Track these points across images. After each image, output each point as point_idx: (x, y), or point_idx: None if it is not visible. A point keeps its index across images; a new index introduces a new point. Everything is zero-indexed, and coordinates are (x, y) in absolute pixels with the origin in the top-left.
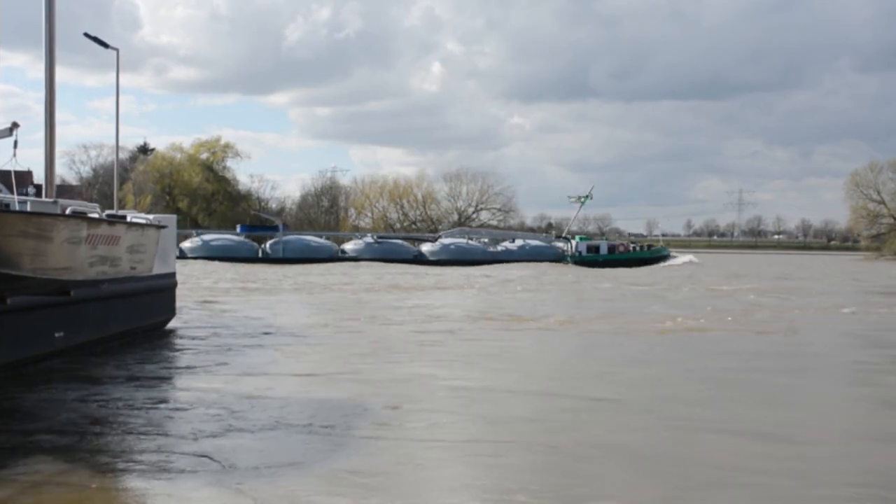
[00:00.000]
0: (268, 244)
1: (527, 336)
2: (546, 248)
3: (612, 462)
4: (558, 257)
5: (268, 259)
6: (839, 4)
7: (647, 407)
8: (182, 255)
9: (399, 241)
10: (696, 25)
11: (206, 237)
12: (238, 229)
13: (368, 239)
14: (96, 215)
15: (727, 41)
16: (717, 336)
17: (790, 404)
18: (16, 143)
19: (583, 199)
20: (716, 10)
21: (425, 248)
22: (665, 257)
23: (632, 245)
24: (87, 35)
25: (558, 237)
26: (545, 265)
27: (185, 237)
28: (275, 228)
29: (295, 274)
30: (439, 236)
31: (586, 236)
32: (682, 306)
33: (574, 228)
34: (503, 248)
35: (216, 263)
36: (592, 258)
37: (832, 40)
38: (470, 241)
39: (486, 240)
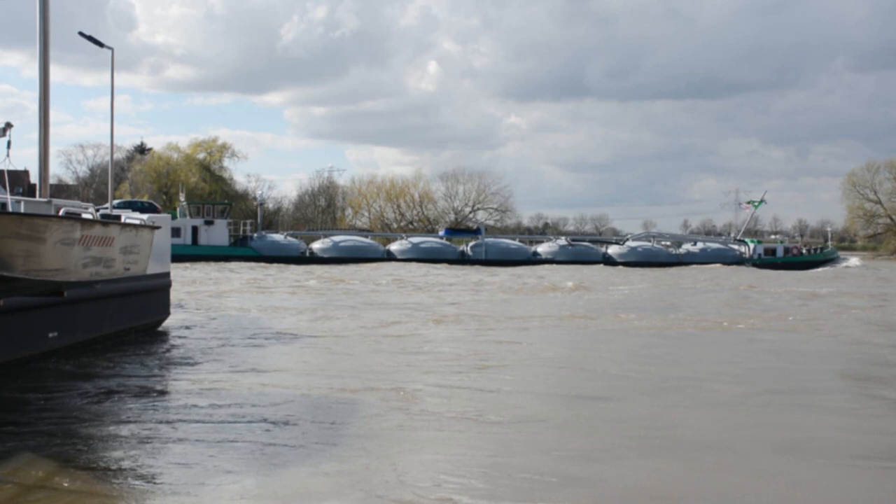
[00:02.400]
0: (469, 246)
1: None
2: (726, 250)
3: None
4: (737, 259)
5: (469, 260)
6: (835, 4)
7: None
8: (392, 257)
9: (587, 244)
10: (692, 25)
11: (414, 240)
12: (441, 232)
13: (562, 241)
14: (90, 216)
15: (723, 40)
16: None
17: None
18: (9, 143)
19: (756, 204)
20: (711, 9)
21: (612, 250)
22: (835, 259)
23: (804, 248)
24: (81, 34)
25: (736, 240)
26: (735, 267)
27: (390, 240)
28: (475, 231)
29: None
30: (626, 239)
31: (758, 240)
32: None
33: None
34: (685, 251)
35: (426, 265)
36: (771, 260)
37: (828, 40)
38: (655, 245)
39: (668, 243)
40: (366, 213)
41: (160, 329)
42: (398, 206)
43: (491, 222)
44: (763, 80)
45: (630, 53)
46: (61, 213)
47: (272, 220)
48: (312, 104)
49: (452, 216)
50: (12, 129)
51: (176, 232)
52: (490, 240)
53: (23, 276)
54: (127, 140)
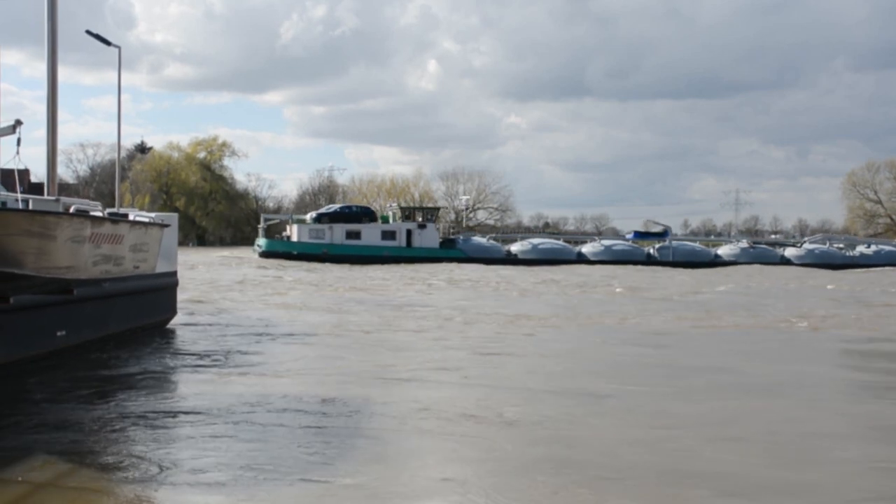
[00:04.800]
0: (654, 248)
1: None
2: None
3: None
4: None
5: (655, 262)
6: (835, 4)
7: None
8: (584, 259)
9: (764, 246)
10: (692, 24)
11: (606, 242)
12: (629, 235)
13: (743, 244)
14: (99, 214)
15: (723, 40)
16: None
17: None
18: (19, 140)
19: None
20: (711, 9)
21: (789, 252)
22: None
23: None
24: (89, 32)
25: None
26: None
27: (580, 242)
28: (662, 234)
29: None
30: (804, 241)
31: None
32: None
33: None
34: (859, 254)
35: (615, 267)
36: None
37: (828, 39)
38: (829, 247)
39: (841, 245)
40: None
41: (167, 328)
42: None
43: (491, 222)
44: (763, 79)
45: (630, 53)
46: (72, 210)
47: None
48: (312, 103)
49: (452, 216)
50: (21, 127)
51: (391, 235)
52: (676, 242)
53: (33, 273)
54: (127, 139)
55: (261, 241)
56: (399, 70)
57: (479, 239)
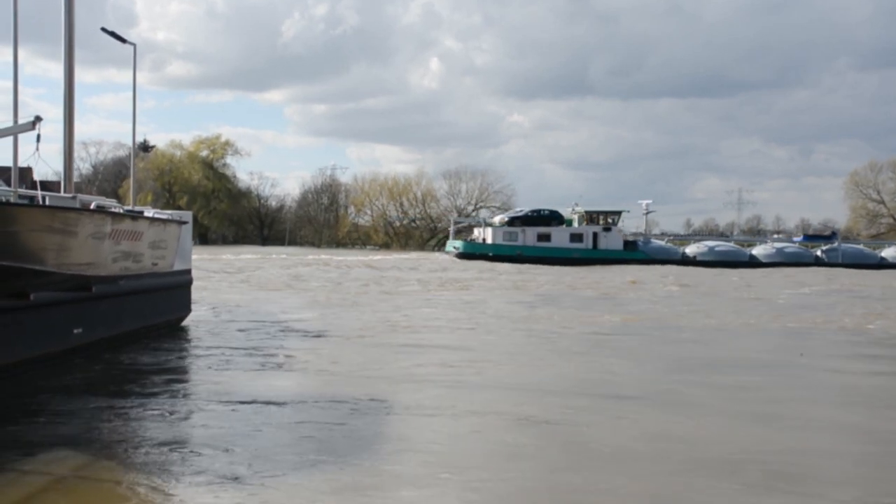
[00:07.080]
0: (822, 251)
1: None
2: None
3: None
4: None
5: (822, 263)
6: (838, 2)
7: None
8: (756, 261)
9: None
10: (695, 22)
11: (777, 245)
12: (798, 238)
13: None
14: (119, 210)
15: (725, 39)
16: None
17: None
18: (38, 136)
19: None
20: (714, 7)
21: None
22: None
23: None
24: (104, 30)
25: None
26: None
27: (749, 245)
28: (829, 237)
29: None
30: None
31: None
32: None
33: None
34: None
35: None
36: None
37: (831, 38)
38: None
39: None
40: (368, 212)
41: (182, 326)
42: (401, 205)
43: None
44: (765, 78)
45: (632, 51)
46: (92, 206)
47: (275, 217)
48: (313, 102)
49: (455, 215)
50: (41, 123)
51: (579, 237)
52: (845, 245)
53: (54, 270)
54: (129, 137)
55: (457, 243)
56: (401, 68)
57: (658, 241)
